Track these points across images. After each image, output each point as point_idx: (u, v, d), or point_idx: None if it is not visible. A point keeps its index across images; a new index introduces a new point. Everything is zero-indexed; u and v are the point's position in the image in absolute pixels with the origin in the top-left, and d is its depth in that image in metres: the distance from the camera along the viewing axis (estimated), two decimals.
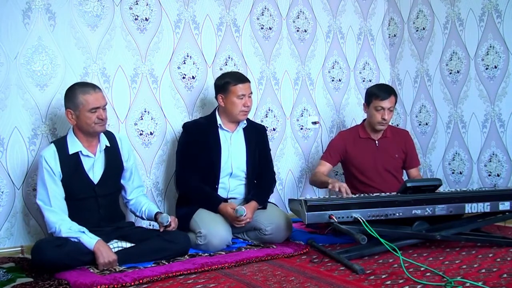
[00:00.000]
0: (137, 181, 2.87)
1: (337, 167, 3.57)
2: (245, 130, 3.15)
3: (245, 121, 3.15)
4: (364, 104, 3.41)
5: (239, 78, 3.07)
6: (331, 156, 3.39)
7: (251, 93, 3.09)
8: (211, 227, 2.78)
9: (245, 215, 2.83)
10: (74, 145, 2.62)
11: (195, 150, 3.02)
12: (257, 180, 3.14)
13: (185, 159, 3.05)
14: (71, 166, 2.60)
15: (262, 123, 3.72)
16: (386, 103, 3.25)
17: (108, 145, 2.72)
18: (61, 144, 2.62)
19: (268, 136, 3.74)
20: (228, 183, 3.06)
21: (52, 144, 2.63)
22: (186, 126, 3.12)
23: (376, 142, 3.37)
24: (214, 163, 3.02)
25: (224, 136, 3.09)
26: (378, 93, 3.27)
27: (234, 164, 3.07)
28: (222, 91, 3.06)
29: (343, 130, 3.70)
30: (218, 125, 3.08)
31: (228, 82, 3.04)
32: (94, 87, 2.64)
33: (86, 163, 2.64)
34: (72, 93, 2.60)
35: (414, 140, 4.09)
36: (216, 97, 3.12)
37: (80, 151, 2.62)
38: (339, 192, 2.95)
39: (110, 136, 2.77)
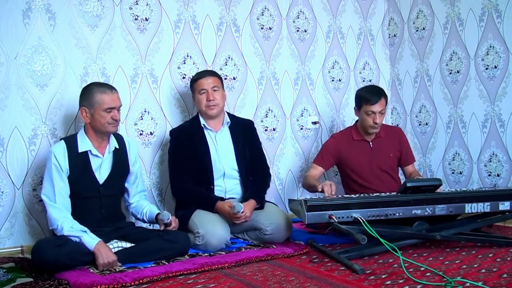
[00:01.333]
0: (141, 186, 2.90)
1: (335, 167, 3.56)
2: (230, 127, 3.13)
3: (228, 119, 3.13)
4: (355, 108, 3.37)
5: (199, 73, 3.11)
6: (324, 159, 3.36)
7: (216, 86, 3.04)
8: (209, 227, 2.77)
9: (242, 211, 2.82)
10: (84, 144, 2.64)
11: (185, 155, 3.02)
12: (252, 176, 3.13)
13: (177, 165, 3.04)
14: (79, 164, 2.61)
15: (262, 123, 3.72)
16: (376, 107, 3.21)
17: (117, 147, 2.74)
18: (71, 142, 2.63)
19: (268, 136, 3.75)
20: (223, 184, 3.05)
21: (62, 141, 2.64)
22: (172, 133, 3.13)
23: (370, 143, 3.35)
24: (205, 165, 3.01)
25: (210, 136, 3.08)
26: (368, 97, 3.22)
27: (225, 164, 3.05)
28: (191, 90, 3.12)
29: (335, 132, 3.67)
30: (202, 126, 3.07)
31: (192, 80, 3.11)
32: (111, 87, 2.67)
33: (94, 162, 2.65)
34: (89, 91, 2.62)
35: (414, 140, 4.11)
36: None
37: (90, 150, 2.64)
38: (327, 194, 2.92)
39: (119, 138, 2.79)
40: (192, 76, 3.16)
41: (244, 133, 3.16)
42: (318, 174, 3.35)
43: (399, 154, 3.41)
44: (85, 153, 2.63)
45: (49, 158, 2.58)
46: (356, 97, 3.36)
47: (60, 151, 2.58)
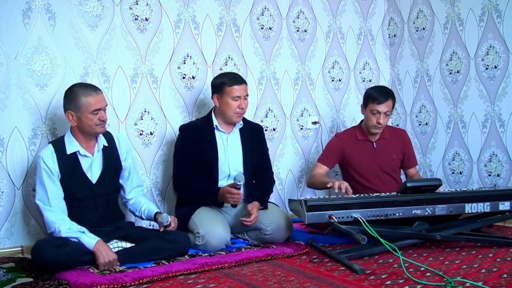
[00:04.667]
0: (136, 181, 2.87)
1: (337, 167, 3.56)
2: (241, 130, 3.13)
3: (241, 122, 3.12)
4: (361, 105, 3.37)
5: (235, 79, 3.04)
6: (328, 158, 3.36)
7: (247, 95, 3.05)
8: (209, 227, 2.77)
9: (243, 182, 2.82)
10: (72, 145, 2.62)
11: (192, 153, 3.01)
12: (256, 180, 3.13)
13: (182, 161, 3.03)
14: (69, 166, 2.60)
15: (262, 123, 3.72)
16: (382, 107, 3.20)
17: (106, 144, 2.72)
18: (59, 145, 2.62)
19: (268, 136, 3.75)
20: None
21: (50, 145, 2.63)
22: (182, 128, 3.11)
23: (374, 144, 3.34)
24: (212, 165, 3.00)
25: (220, 137, 3.07)
26: (375, 96, 3.22)
27: (231, 166, 3.05)
28: (218, 91, 3.03)
29: (339, 132, 3.66)
30: (214, 126, 3.06)
31: (223, 82, 3.01)
32: (95, 88, 2.63)
33: (84, 163, 2.64)
34: (73, 94, 2.59)
35: (414, 140, 4.11)
36: (212, 97, 3.10)
37: (78, 151, 2.62)
38: (339, 191, 2.94)
39: (108, 135, 2.76)
40: (226, 78, 3.04)
41: (253, 138, 3.16)
42: (323, 173, 3.35)
43: (402, 156, 3.40)
44: (74, 154, 2.62)
45: (38, 164, 2.57)
46: (364, 95, 3.35)
47: (49, 155, 2.57)
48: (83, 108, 2.56)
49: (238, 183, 2.81)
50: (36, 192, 2.61)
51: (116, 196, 2.84)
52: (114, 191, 2.81)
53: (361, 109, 3.37)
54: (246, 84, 3.08)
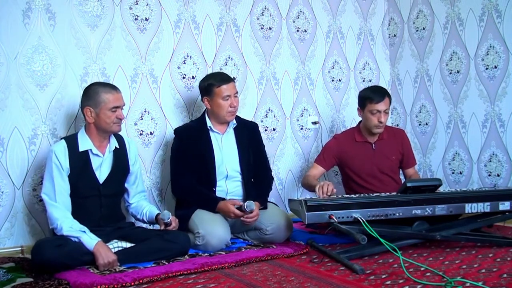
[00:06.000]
0: (141, 186, 2.91)
1: (336, 167, 3.56)
2: (235, 129, 3.12)
3: (234, 121, 3.12)
4: (358, 108, 3.35)
5: (222, 78, 3.02)
6: (325, 160, 3.35)
7: (237, 92, 3.04)
8: (209, 227, 2.77)
9: (254, 209, 2.82)
10: (85, 143, 2.65)
11: (188, 156, 3.01)
12: (255, 179, 3.13)
13: (179, 164, 3.03)
14: (80, 164, 2.62)
15: (262, 123, 3.72)
16: (381, 106, 3.19)
17: (118, 146, 2.75)
18: (71, 141, 2.65)
19: (268, 136, 3.75)
20: (225, 186, 3.05)
21: (63, 140, 2.66)
22: (177, 131, 3.10)
23: (373, 145, 3.33)
24: (209, 167, 3.00)
25: (215, 138, 3.07)
26: (372, 97, 3.21)
27: (228, 166, 3.04)
28: (207, 93, 3.02)
29: (338, 133, 3.64)
30: (208, 128, 3.06)
31: (211, 84, 3.00)
32: (114, 87, 2.70)
33: (95, 161, 2.66)
34: (94, 91, 2.63)
35: (414, 140, 4.11)
36: (202, 100, 3.09)
37: (90, 150, 2.65)
38: (323, 194, 2.88)
39: (120, 138, 2.80)
40: (213, 79, 3.03)
41: (248, 136, 3.15)
42: (318, 174, 3.34)
43: (401, 156, 3.39)
44: (86, 152, 2.64)
45: (50, 157, 2.59)
46: (360, 97, 3.34)
47: (61, 150, 2.59)
48: (102, 104, 2.60)
49: (248, 210, 2.81)
50: (43, 185, 2.62)
51: (120, 198, 2.86)
52: (119, 193, 2.83)
53: (358, 112, 3.35)
54: (234, 81, 3.06)
